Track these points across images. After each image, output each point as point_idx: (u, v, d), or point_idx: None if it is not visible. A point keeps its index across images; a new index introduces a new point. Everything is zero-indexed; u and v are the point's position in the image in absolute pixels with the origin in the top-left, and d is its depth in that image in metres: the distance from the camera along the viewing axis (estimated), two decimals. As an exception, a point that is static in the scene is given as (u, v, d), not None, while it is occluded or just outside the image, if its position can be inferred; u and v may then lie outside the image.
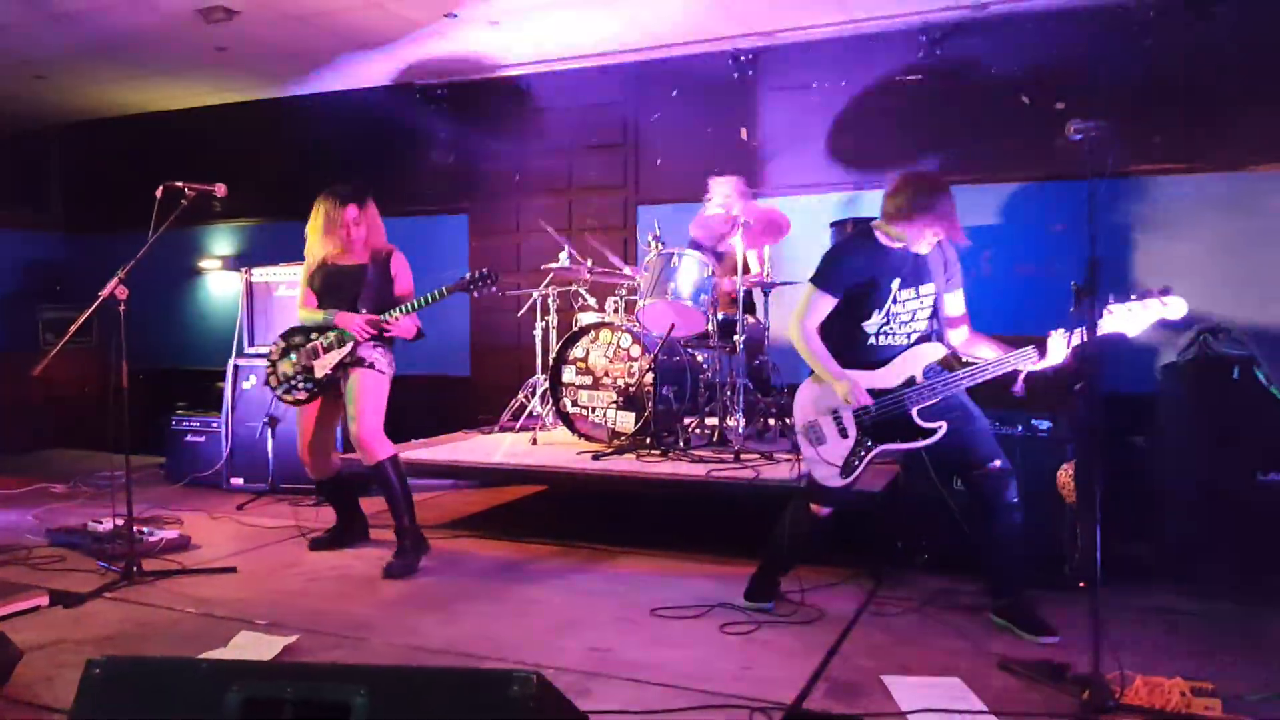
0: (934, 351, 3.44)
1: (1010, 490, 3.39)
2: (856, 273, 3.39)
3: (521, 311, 6.43)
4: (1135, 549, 4.13)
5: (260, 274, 6.46)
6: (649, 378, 5.10)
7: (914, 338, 3.47)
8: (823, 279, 3.42)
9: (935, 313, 3.49)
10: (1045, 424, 4.06)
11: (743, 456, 4.76)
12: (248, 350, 6.41)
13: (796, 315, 3.43)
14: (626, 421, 5.24)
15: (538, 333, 6.15)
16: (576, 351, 5.46)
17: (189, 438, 6.54)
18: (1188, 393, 4.18)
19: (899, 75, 6.12)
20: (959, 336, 3.54)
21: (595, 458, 4.91)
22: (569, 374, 5.46)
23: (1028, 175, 5.81)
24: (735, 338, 5.13)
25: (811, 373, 3.48)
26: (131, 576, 4.15)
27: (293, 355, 4.47)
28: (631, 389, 5.21)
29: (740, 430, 5.00)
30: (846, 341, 3.43)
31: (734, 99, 6.58)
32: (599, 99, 7.01)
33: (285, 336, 4.52)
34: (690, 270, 5.16)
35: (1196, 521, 4.05)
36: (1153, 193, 5.53)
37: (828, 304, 3.40)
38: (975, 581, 3.87)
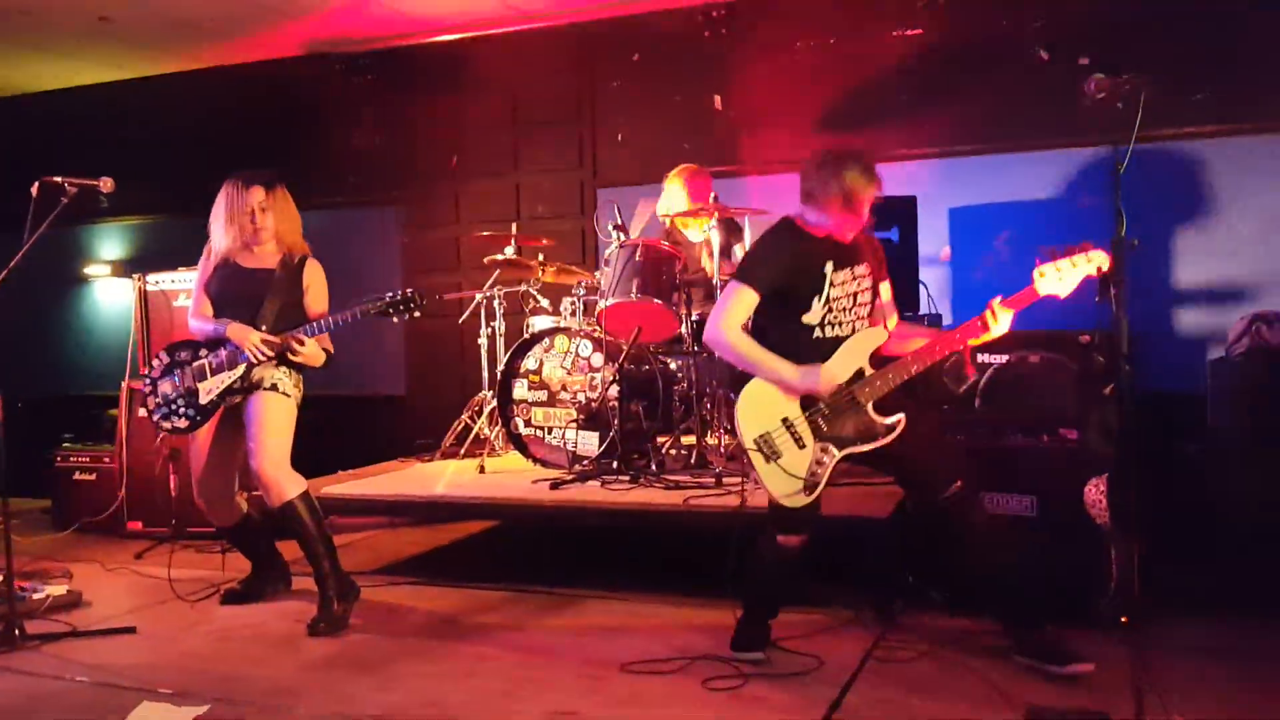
0: (877, 337, 3.56)
1: (982, 508, 3.53)
2: (783, 268, 3.51)
3: (464, 317, 6.39)
4: (1184, 576, 4.13)
5: (157, 281, 6.40)
6: (614, 391, 5.08)
7: (860, 325, 3.58)
8: (746, 273, 3.53)
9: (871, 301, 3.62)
10: (1072, 432, 4.05)
11: (725, 480, 4.74)
12: (144, 371, 6.31)
13: (716, 317, 3.50)
14: (589, 443, 5.21)
15: (483, 341, 6.12)
16: (528, 362, 5.43)
17: (77, 476, 6.48)
18: (1242, 389, 4.19)
19: (896, 30, 6.13)
20: (891, 327, 3.68)
21: (553, 486, 4.89)
22: (520, 389, 5.43)
23: (1048, 142, 5.83)
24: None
25: (746, 381, 3.54)
26: (14, 641, 4.10)
27: (175, 374, 4.42)
28: (594, 404, 5.18)
29: (722, 450, 4.97)
30: (789, 343, 3.52)
31: (705, 62, 6.57)
32: (548, 66, 6.97)
33: (170, 350, 4.49)
34: (658, 264, 5.13)
35: (1257, 541, 4.05)
36: (1193, 160, 5.56)
37: (751, 300, 3.50)
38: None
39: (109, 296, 8.22)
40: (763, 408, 3.50)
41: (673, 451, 5.37)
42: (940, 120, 6.00)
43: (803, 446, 3.48)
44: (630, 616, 4.31)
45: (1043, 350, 4.30)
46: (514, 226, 6.10)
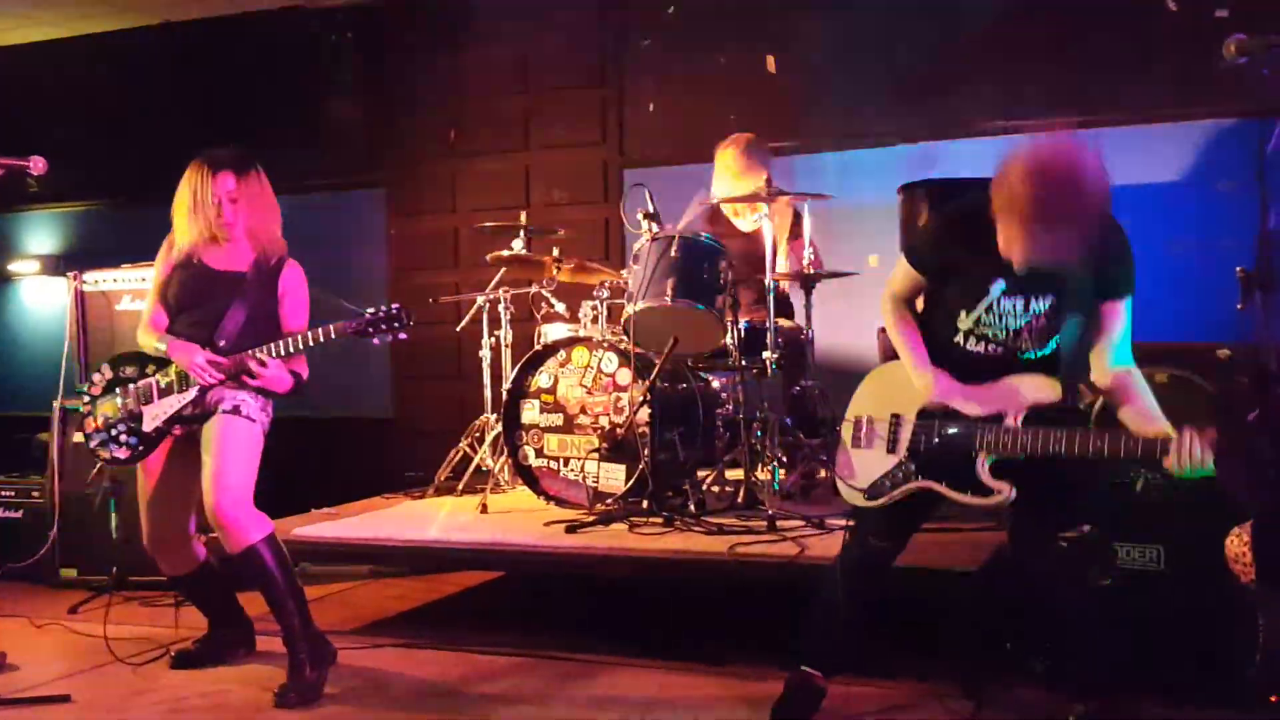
0: (1045, 390, 3.40)
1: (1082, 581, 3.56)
2: (953, 256, 3.52)
3: (462, 324, 6.43)
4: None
5: (96, 280, 6.43)
6: (644, 415, 5.07)
7: (1024, 358, 3.48)
8: (908, 248, 3.69)
9: (1070, 332, 3.44)
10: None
11: (780, 524, 4.72)
12: (81, 388, 6.32)
13: (888, 284, 3.69)
14: (614, 478, 5.21)
15: (485, 353, 6.14)
16: (540, 379, 5.44)
17: (1, 514, 6.49)
18: None
19: (988, -25, 6.14)
20: (1098, 373, 3.48)
21: (570, 530, 4.89)
22: (531, 412, 5.43)
23: (1177, 113, 5.83)
24: (766, 355, 5.10)
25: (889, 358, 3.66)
26: (-76, 714, 4.13)
27: (119, 393, 4.44)
28: (620, 431, 5.17)
29: (776, 487, 4.94)
30: (934, 336, 3.59)
31: (755, 15, 6.59)
32: (565, 20, 7.00)
33: (114, 364, 4.51)
34: (698, 260, 5.13)
35: None
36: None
37: (907, 273, 3.63)
38: (1128, 694, 3.81)
39: (38, 298, 8.31)
40: (886, 391, 3.61)
41: (715, 489, 5.35)
42: (1041, 86, 5.99)
43: (892, 451, 3.53)
44: (663, 688, 4.29)
45: (1170, 368, 4.26)
46: (523, 215, 6.13)
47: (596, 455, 5.27)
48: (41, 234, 8.37)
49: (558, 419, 5.39)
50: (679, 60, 6.81)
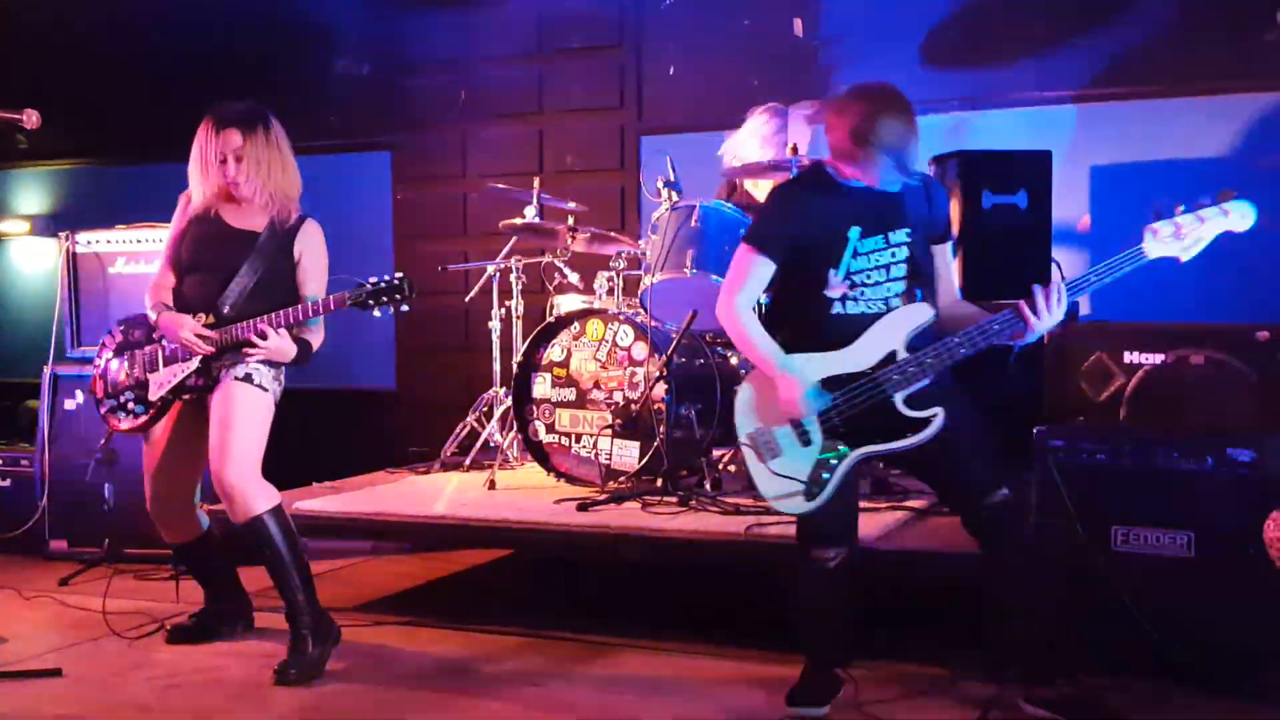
0: (919, 315, 3.61)
1: (1024, 528, 3.60)
2: (803, 223, 3.66)
3: (471, 294, 6.45)
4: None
5: (90, 241, 6.42)
6: (660, 390, 5.12)
7: (893, 303, 3.66)
8: (757, 237, 3.74)
9: (918, 271, 3.68)
10: (1245, 454, 4.04)
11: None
12: (72, 353, 6.41)
13: (725, 287, 3.75)
14: (627, 455, 5.25)
15: (495, 325, 6.16)
16: (552, 353, 5.49)
17: (-13, 483, 6.55)
18: None
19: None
20: (946, 303, 3.77)
21: (582, 508, 4.91)
22: (542, 386, 5.48)
23: (1218, 87, 5.83)
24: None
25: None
26: (-90, 687, 4.14)
27: (127, 358, 4.50)
28: (634, 407, 5.22)
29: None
30: (804, 316, 3.69)
31: (782, -25, 6.59)
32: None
33: (125, 327, 4.55)
34: (720, 230, 5.17)
35: None
36: None
37: (765, 270, 3.69)
38: (1141, 678, 3.88)
39: (27, 260, 8.31)
40: (764, 399, 3.68)
41: (732, 468, 5.39)
42: (1076, 57, 6.00)
43: (808, 444, 3.60)
44: (677, 669, 4.32)
45: (1208, 350, 4.28)
46: (536, 182, 6.09)
47: (610, 431, 5.31)
48: (31, 192, 8.37)
49: (570, 393, 5.43)
50: (702, 22, 6.79)
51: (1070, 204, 5.93)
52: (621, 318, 5.37)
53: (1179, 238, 3.40)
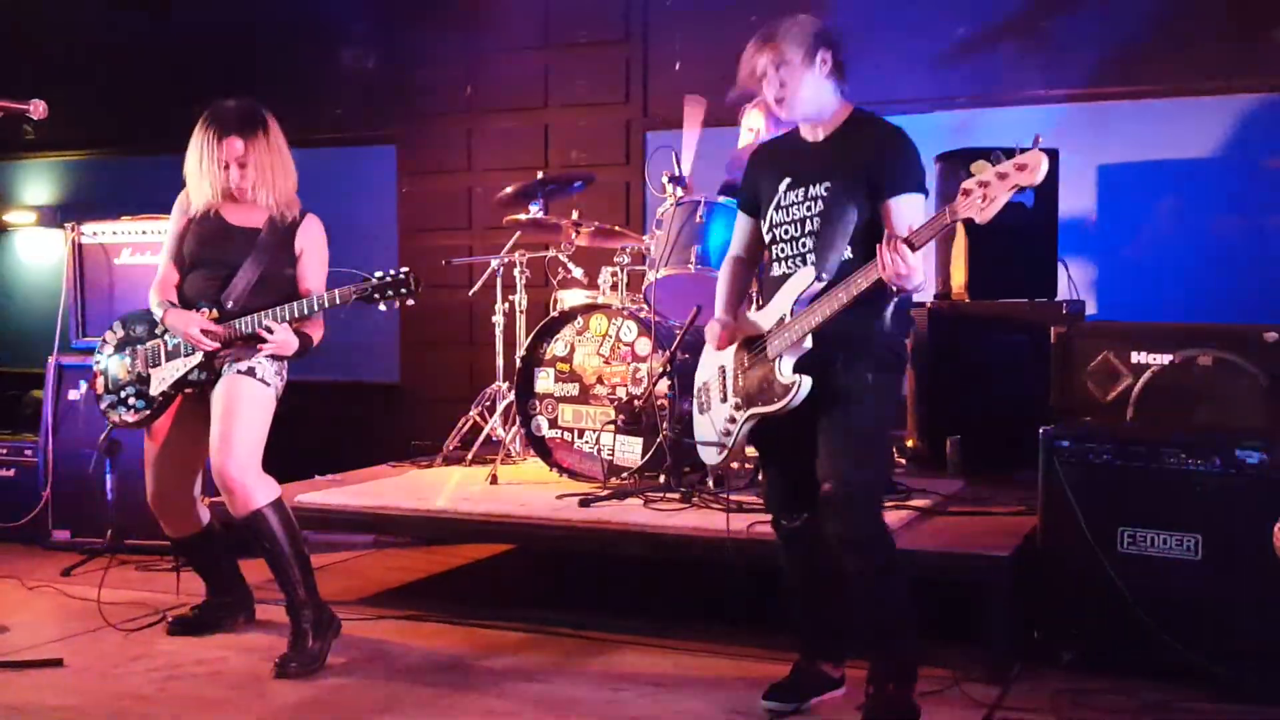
0: (803, 280, 3.57)
1: (831, 525, 3.54)
2: (751, 174, 3.87)
3: (475, 288, 6.43)
4: None
5: (96, 232, 6.44)
6: (663, 386, 5.10)
7: (811, 260, 3.58)
8: (740, 194, 3.96)
9: (850, 230, 3.54)
10: (1255, 455, 4.02)
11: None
12: (77, 343, 6.41)
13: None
14: (630, 451, 5.25)
15: (498, 319, 6.16)
16: (556, 348, 5.47)
17: (-9, 472, 6.56)
18: None
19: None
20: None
21: (584, 503, 4.91)
22: (545, 381, 5.47)
23: (1223, 86, 5.81)
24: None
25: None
26: (-88, 677, 4.14)
27: (128, 353, 4.48)
28: (638, 403, 5.19)
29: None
30: (768, 274, 3.81)
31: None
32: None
33: (125, 323, 4.53)
34: (725, 226, 5.14)
35: None
36: None
37: (742, 222, 3.90)
38: (1155, 686, 3.86)
39: (33, 251, 8.33)
40: (711, 353, 3.91)
41: (734, 465, 5.37)
42: (1083, 55, 5.98)
43: (724, 400, 3.79)
44: (677, 667, 4.33)
45: (1216, 350, 4.27)
46: (541, 175, 6.09)
47: (613, 427, 5.30)
48: (37, 184, 8.38)
49: (573, 389, 5.42)
50: (708, 18, 6.78)
51: (1076, 202, 5.88)
52: (625, 313, 5.36)
53: (980, 199, 3.16)
